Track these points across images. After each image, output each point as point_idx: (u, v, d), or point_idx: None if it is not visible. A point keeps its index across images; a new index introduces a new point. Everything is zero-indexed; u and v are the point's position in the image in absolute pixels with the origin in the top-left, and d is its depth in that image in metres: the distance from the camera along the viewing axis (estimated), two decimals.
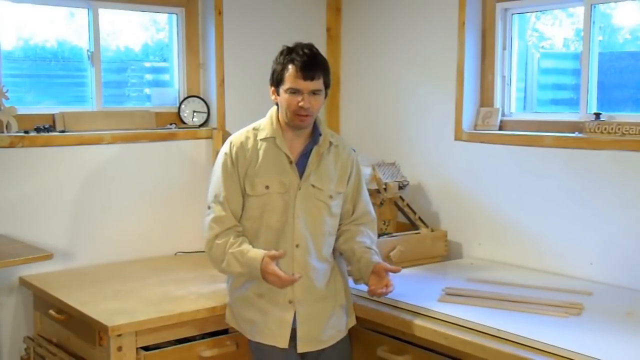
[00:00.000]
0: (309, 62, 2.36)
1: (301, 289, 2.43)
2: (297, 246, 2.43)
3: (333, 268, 2.55)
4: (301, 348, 2.44)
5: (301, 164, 2.46)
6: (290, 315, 2.43)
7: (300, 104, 2.36)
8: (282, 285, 2.35)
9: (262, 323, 2.44)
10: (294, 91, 2.36)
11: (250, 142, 2.47)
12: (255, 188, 2.43)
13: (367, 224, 2.59)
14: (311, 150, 2.47)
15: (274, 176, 2.43)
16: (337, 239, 2.56)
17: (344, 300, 2.57)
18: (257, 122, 2.53)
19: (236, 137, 2.51)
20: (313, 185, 2.45)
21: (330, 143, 2.51)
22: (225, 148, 2.50)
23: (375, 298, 2.64)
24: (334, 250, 2.56)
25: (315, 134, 2.49)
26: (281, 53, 2.42)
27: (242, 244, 2.39)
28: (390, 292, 2.44)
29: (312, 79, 2.36)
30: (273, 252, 2.34)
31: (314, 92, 2.38)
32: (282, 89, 2.40)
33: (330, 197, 2.48)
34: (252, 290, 2.46)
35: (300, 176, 2.44)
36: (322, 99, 2.43)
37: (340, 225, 2.57)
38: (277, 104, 2.48)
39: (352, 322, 2.60)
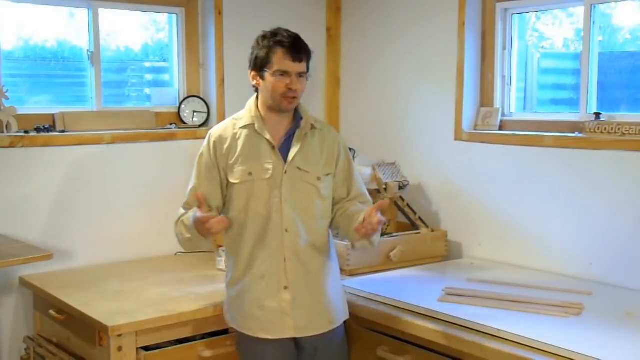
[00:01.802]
0: (297, 44, 2.39)
1: (294, 274, 2.44)
2: (286, 230, 2.43)
3: (328, 257, 2.54)
4: (293, 333, 2.43)
5: (285, 149, 2.47)
6: (287, 302, 2.42)
7: (289, 85, 2.38)
8: (205, 228, 2.29)
9: (262, 317, 2.44)
10: (282, 73, 2.38)
11: (229, 132, 2.49)
12: (238, 176, 2.44)
13: (363, 203, 2.57)
14: (294, 134, 2.48)
15: (257, 162, 2.44)
16: (333, 219, 2.55)
17: (338, 290, 2.57)
18: (236, 114, 2.56)
19: (215, 130, 2.54)
20: (299, 168, 2.45)
21: (313, 126, 2.52)
22: (205, 141, 2.53)
23: (375, 298, 2.64)
24: (330, 235, 2.56)
25: (296, 118, 2.51)
26: (264, 37, 2.43)
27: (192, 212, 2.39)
28: (379, 223, 2.32)
29: (300, 60, 2.39)
30: (198, 197, 2.33)
31: (300, 75, 2.41)
32: (268, 72, 2.40)
33: (318, 178, 2.48)
34: (250, 279, 2.45)
35: (285, 160, 2.45)
36: (305, 83, 2.45)
37: (335, 207, 2.55)
38: (256, 91, 2.49)
39: (346, 315, 2.59)
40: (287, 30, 2.43)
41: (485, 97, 3.38)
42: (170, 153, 3.46)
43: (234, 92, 3.58)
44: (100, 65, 3.35)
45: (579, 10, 3.06)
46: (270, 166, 2.43)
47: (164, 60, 3.67)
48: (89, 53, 3.34)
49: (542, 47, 3.41)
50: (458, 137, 3.36)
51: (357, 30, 3.86)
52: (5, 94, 3.04)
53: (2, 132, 3.03)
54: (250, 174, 2.43)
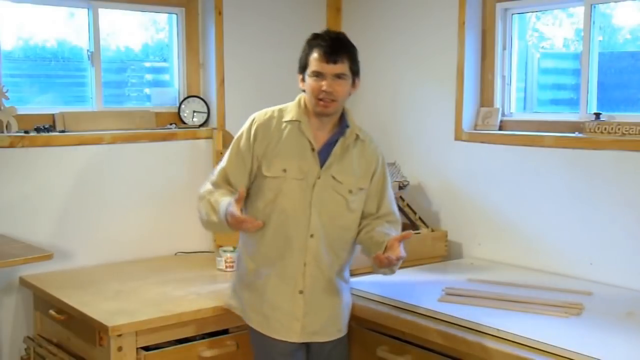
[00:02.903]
0: (333, 46, 2.33)
1: (311, 279, 2.41)
2: (311, 236, 2.39)
3: (344, 267, 2.52)
4: (299, 337, 2.42)
5: (324, 154, 2.41)
6: (300, 307, 2.40)
7: (323, 87, 2.32)
8: (238, 226, 2.28)
9: (273, 318, 2.42)
10: (317, 74, 2.33)
11: (274, 122, 2.43)
12: (272, 169, 2.39)
13: (391, 223, 2.52)
14: (336, 141, 2.42)
15: (293, 160, 2.38)
16: (358, 234, 2.50)
17: (348, 301, 2.56)
18: (283, 105, 2.49)
19: (260, 115, 2.47)
20: (333, 177, 2.40)
21: (357, 136, 2.46)
22: (246, 124, 2.47)
23: (375, 298, 2.64)
24: (353, 248, 2.53)
25: (342, 125, 2.45)
26: (308, 39, 2.40)
27: (222, 195, 2.36)
28: (399, 259, 2.28)
29: (335, 62, 2.32)
30: (239, 193, 2.29)
31: (338, 76, 2.34)
32: (307, 74, 2.37)
33: (350, 191, 2.42)
34: (267, 278, 2.43)
35: (322, 166, 2.40)
36: (347, 85, 2.37)
37: (362, 221, 2.50)
38: (304, 91, 2.44)
39: (346, 328, 2.57)
40: (331, 32, 2.39)
41: (485, 97, 3.38)
42: (170, 153, 3.46)
43: (234, 92, 3.58)
44: (100, 65, 3.35)
45: (579, 10, 3.06)
46: (305, 168, 2.38)
47: (164, 60, 3.67)
48: (89, 53, 3.34)
49: (542, 47, 3.41)
50: (458, 137, 3.36)
51: (357, 30, 3.86)
52: (5, 94, 3.04)
53: (2, 132, 3.03)
54: (284, 170, 2.38)
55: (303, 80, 2.41)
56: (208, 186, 2.45)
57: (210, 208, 2.37)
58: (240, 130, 2.47)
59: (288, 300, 2.41)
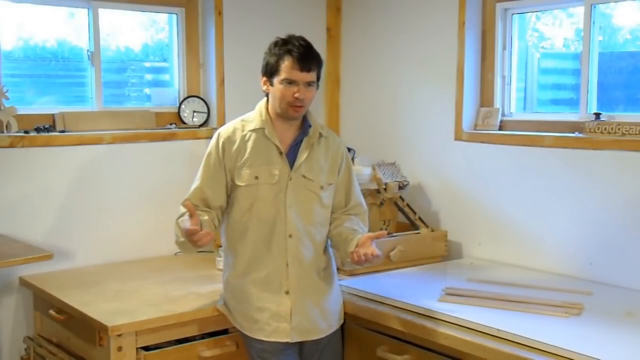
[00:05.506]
0: (306, 54, 2.40)
1: (296, 279, 2.47)
2: (290, 236, 2.46)
3: (328, 263, 2.58)
4: (290, 337, 2.45)
5: (291, 155, 2.49)
6: (287, 307, 2.45)
7: (296, 95, 2.39)
8: (194, 242, 2.30)
9: (262, 320, 2.46)
10: (290, 82, 2.40)
11: (238, 134, 2.50)
12: (244, 178, 2.45)
13: (359, 214, 2.62)
14: (301, 141, 2.51)
15: (264, 166, 2.46)
16: (328, 229, 2.58)
17: (336, 295, 2.61)
18: (245, 115, 2.57)
19: (224, 130, 2.55)
20: (304, 176, 2.48)
21: (320, 134, 2.55)
22: (213, 140, 2.54)
23: (375, 298, 2.64)
24: (328, 242, 2.60)
25: (305, 126, 2.53)
26: (275, 44, 2.45)
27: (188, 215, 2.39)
28: (375, 257, 2.35)
29: (308, 70, 2.40)
30: (187, 206, 2.34)
31: (309, 84, 2.42)
32: (276, 80, 2.42)
33: (321, 187, 2.51)
34: (252, 282, 2.48)
35: (291, 167, 2.47)
36: (315, 91, 2.47)
37: (331, 214, 2.59)
38: (267, 95, 2.51)
39: (342, 320, 2.63)
40: (299, 39, 2.44)
41: (485, 97, 3.38)
42: (171, 153, 3.46)
43: (234, 92, 3.58)
44: (100, 65, 3.35)
45: (579, 10, 3.06)
46: (277, 172, 2.46)
47: (164, 60, 3.67)
48: (89, 53, 3.34)
49: (542, 47, 3.41)
50: (458, 137, 3.36)
51: (357, 30, 3.86)
52: (5, 94, 3.04)
53: (2, 132, 3.03)
54: (256, 177, 2.45)
55: (269, 83, 2.46)
56: (181, 209, 2.48)
57: (179, 229, 2.43)
58: (209, 148, 2.54)
59: (275, 302, 2.45)
